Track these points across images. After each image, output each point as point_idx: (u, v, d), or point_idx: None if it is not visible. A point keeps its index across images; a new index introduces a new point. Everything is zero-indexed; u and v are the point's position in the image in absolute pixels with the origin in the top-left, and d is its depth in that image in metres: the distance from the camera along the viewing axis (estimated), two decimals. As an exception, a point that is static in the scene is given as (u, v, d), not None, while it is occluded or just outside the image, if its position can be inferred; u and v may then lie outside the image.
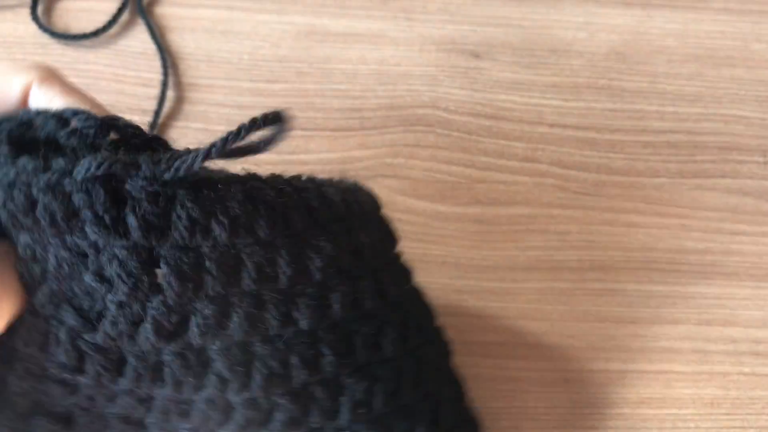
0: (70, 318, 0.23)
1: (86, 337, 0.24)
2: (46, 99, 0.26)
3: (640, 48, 0.50)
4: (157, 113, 0.45)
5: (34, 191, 0.21)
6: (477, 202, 0.45)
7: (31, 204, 0.21)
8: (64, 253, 0.22)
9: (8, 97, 0.27)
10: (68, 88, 0.27)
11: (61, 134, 0.23)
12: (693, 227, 0.45)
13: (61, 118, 0.24)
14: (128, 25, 0.48)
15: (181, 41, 0.48)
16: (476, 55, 0.49)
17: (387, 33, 0.49)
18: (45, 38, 0.47)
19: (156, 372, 0.25)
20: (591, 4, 0.51)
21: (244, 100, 0.47)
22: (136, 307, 0.23)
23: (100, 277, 0.22)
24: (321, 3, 0.50)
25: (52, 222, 0.21)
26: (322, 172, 0.45)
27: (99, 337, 0.23)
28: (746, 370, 0.42)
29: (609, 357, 0.42)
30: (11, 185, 0.22)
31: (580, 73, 0.49)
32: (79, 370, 0.25)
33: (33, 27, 0.47)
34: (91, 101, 0.27)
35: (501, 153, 0.46)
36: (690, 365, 0.42)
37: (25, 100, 0.27)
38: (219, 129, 0.46)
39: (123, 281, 0.22)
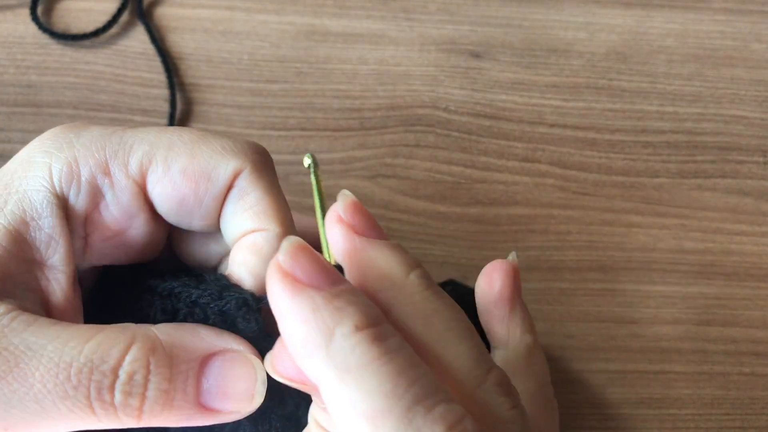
0: None
1: None
2: (246, 193, 0.26)
3: (640, 48, 0.50)
4: (171, 116, 0.46)
5: None
6: (477, 202, 0.45)
7: None
8: None
9: (215, 185, 0.26)
10: (272, 187, 0.26)
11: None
12: (693, 227, 0.45)
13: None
14: (128, 26, 0.48)
15: (181, 42, 0.48)
16: (476, 55, 0.49)
17: (387, 33, 0.49)
18: (45, 38, 0.47)
19: None
20: (591, 5, 0.51)
21: (244, 100, 0.47)
22: None
23: None
24: (321, 3, 0.50)
25: None
26: (321, 172, 0.45)
27: None
28: (746, 370, 0.42)
29: (609, 357, 0.42)
30: None
31: (580, 73, 0.49)
32: None
33: (33, 27, 0.47)
34: (283, 212, 0.26)
35: (501, 153, 0.46)
36: (690, 365, 0.42)
37: (230, 185, 0.26)
38: (219, 129, 0.46)
39: None
